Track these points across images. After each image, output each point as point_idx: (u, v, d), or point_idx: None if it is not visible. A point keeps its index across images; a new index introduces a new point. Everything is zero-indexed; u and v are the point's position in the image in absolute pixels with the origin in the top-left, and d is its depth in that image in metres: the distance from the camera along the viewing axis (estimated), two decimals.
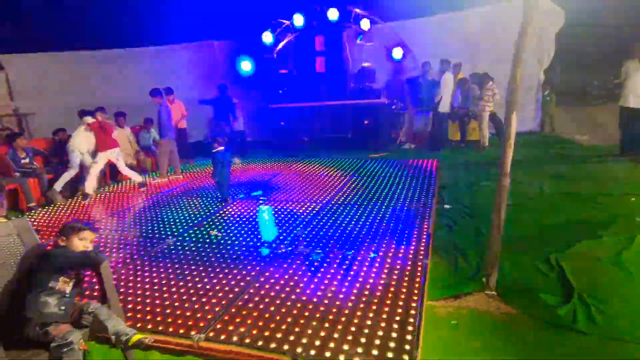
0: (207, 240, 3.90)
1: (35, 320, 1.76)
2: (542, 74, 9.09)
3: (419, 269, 3.02)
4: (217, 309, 2.62)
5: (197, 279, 3.07)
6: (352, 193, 5.21)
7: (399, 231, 3.81)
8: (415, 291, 2.69)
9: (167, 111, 6.70)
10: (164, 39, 11.38)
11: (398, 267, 3.08)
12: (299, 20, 8.62)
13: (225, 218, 4.54)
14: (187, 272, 3.20)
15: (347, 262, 3.22)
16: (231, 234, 4.01)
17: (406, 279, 2.88)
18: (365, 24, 8.32)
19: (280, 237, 3.84)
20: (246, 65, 9.38)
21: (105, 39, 12.01)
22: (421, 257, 3.22)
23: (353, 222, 4.12)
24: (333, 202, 4.86)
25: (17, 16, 13.22)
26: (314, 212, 4.53)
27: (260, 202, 5.10)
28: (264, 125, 9.97)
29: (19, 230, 2.04)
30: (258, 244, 3.70)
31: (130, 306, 2.73)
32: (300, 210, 4.62)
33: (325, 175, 6.32)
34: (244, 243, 3.76)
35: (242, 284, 2.95)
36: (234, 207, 4.89)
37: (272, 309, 2.58)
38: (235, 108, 9.53)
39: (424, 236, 3.64)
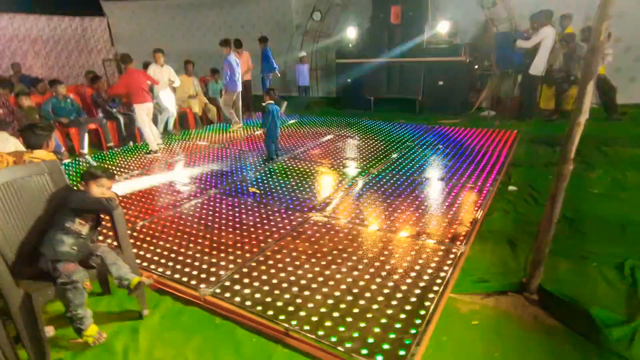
0: (245, 196, 4.00)
1: (48, 255, 1.96)
2: None
3: (452, 255, 2.73)
4: (231, 266, 2.69)
5: (223, 233, 3.18)
6: (404, 162, 4.86)
7: (442, 209, 3.47)
8: (439, 280, 2.44)
9: (232, 63, 6.76)
10: None
11: (429, 249, 2.82)
12: None
13: (269, 175, 4.59)
14: (216, 225, 3.33)
15: (375, 236, 3.04)
16: (268, 193, 4.04)
17: (433, 264, 2.62)
18: None
19: (313, 202, 3.76)
20: (317, 16, 9.01)
21: None
22: (459, 242, 2.90)
23: (396, 194, 3.86)
24: (380, 170, 4.59)
25: None
26: (356, 180, 4.34)
27: (305, 163, 5.02)
28: (331, 80, 9.69)
29: (50, 170, 2.24)
30: (290, 206, 3.68)
31: (158, 250, 2.94)
32: (342, 177, 4.46)
33: (380, 140, 5.99)
34: (277, 203, 3.77)
35: (262, 245, 2.98)
36: (279, 165, 4.91)
37: (282, 275, 2.57)
38: (303, 62, 9.38)
39: (471, 219, 3.26)
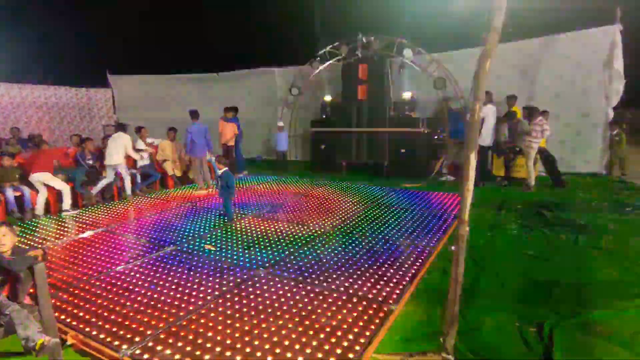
0: (200, 253, 3.90)
1: None
2: (610, 111, 7.80)
3: (381, 314, 2.63)
4: (161, 325, 2.54)
5: (165, 290, 3.05)
6: (356, 222, 4.86)
7: (382, 267, 3.41)
8: (362, 340, 2.33)
9: (194, 131, 6.98)
10: (239, 65, 12.37)
11: (360, 308, 2.72)
12: (345, 50, 8.63)
13: (227, 232, 4.52)
14: (160, 282, 3.20)
15: (313, 293, 2.94)
16: (223, 250, 3.96)
17: (361, 323, 2.52)
18: (408, 54, 7.99)
19: (263, 259, 3.68)
20: (295, 91, 9.60)
21: (191, 64, 13.48)
22: (391, 301, 2.82)
23: (342, 253, 3.81)
24: (329, 229, 4.58)
25: (125, 45, 15.38)
26: (307, 238, 4.31)
27: (264, 222, 5.00)
28: (306, 147, 10.05)
29: None
30: (240, 263, 3.59)
31: (93, 309, 2.78)
32: (295, 235, 4.42)
33: (340, 200, 6.05)
34: (229, 260, 3.67)
35: (200, 302, 2.85)
36: (240, 223, 4.87)
37: (210, 334, 2.42)
38: (280, 131, 9.79)
39: (407, 278, 3.20)
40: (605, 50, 7.55)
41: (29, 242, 4.35)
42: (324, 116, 9.51)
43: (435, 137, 8.74)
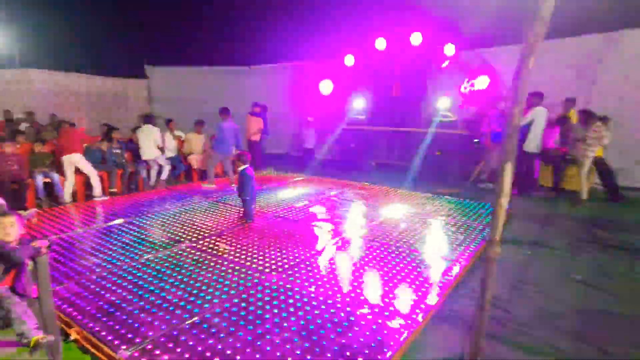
0: (214, 252, 3.90)
1: None
2: None
3: (397, 335, 2.47)
4: (163, 327, 2.53)
5: (173, 289, 3.06)
6: (379, 231, 4.66)
7: (404, 283, 3.22)
8: None
9: (224, 128, 7.06)
10: (269, 59, 12.47)
11: (375, 327, 2.57)
12: (381, 43, 8.38)
13: (240, 234, 4.49)
14: (171, 281, 3.21)
15: (325, 305, 2.82)
16: (237, 251, 3.93)
17: (373, 344, 2.37)
18: (449, 50, 7.63)
19: (278, 263, 3.60)
20: (326, 86, 9.48)
21: (225, 58, 13.74)
22: (409, 321, 2.63)
23: (362, 262, 3.65)
24: (349, 238, 4.43)
25: (163, 35, 15.93)
26: (329, 244, 4.18)
27: (285, 223, 4.93)
28: (335, 145, 9.90)
29: None
30: (253, 266, 3.54)
31: (100, 303, 2.83)
32: (318, 240, 4.31)
33: (367, 205, 5.87)
34: (242, 262, 3.63)
35: (206, 305, 2.82)
36: (258, 224, 4.84)
37: (211, 342, 2.38)
38: (308, 126, 9.71)
39: (430, 296, 3.00)
40: None
41: (51, 229, 4.56)
42: (354, 113, 9.32)
43: (475, 140, 8.30)
